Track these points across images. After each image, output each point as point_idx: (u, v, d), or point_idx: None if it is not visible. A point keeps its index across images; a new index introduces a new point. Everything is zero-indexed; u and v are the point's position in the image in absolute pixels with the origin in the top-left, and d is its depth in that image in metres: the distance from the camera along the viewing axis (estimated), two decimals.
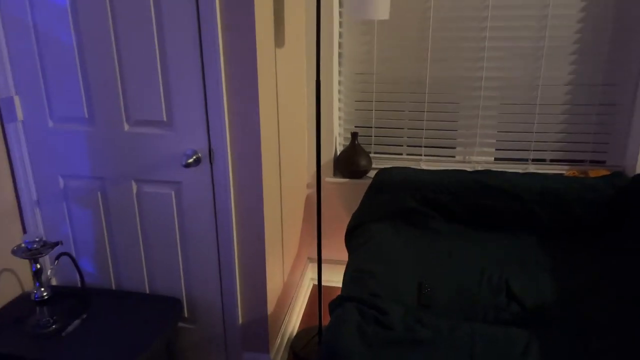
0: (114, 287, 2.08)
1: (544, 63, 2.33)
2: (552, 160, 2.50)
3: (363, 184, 2.58)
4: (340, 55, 2.52)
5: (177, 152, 1.83)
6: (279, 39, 1.98)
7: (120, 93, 1.80)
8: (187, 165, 1.78)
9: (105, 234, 2.01)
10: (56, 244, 1.78)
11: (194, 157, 1.80)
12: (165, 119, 1.81)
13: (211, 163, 1.83)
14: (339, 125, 2.64)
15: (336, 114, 2.57)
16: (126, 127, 1.85)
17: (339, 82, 2.56)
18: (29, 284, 2.06)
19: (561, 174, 2.40)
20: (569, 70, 2.33)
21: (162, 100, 1.79)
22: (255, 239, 1.90)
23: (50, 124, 1.90)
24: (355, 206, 2.65)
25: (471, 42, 2.37)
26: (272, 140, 1.94)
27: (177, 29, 1.69)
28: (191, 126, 1.79)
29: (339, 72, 2.54)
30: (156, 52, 1.73)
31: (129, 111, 1.82)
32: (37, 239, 1.72)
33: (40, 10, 1.76)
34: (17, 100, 1.88)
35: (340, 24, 2.48)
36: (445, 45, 2.39)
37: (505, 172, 2.35)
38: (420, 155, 2.60)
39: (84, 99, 1.84)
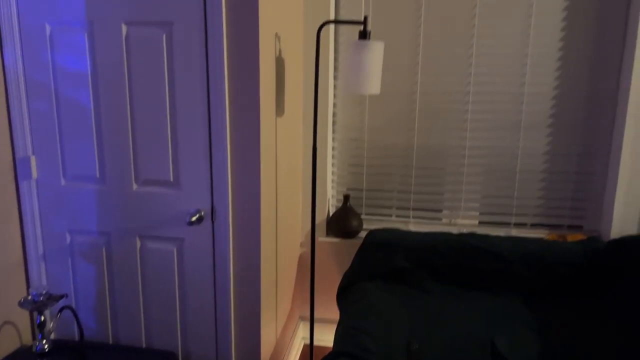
0: (111, 340, 2.13)
1: (523, 134, 2.53)
2: (532, 225, 2.65)
3: (354, 244, 2.70)
4: (334, 122, 2.71)
5: (181, 210, 1.95)
6: (279, 109, 2.15)
7: (132, 154, 1.94)
8: (191, 223, 1.90)
9: (107, 289, 2.08)
10: (61, 296, 1.85)
11: (197, 215, 1.92)
12: (172, 179, 1.94)
13: (213, 221, 1.95)
14: (332, 187, 2.78)
15: (329, 177, 2.72)
16: (135, 186, 1.97)
17: (333, 148, 2.73)
18: (26, 337, 2.10)
19: (541, 238, 2.54)
20: (546, 141, 2.53)
21: (170, 162, 1.93)
22: (251, 296, 1.99)
23: (63, 182, 2.03)
24: (346, 265, 2.75)
25: (455, 114, 2.57)
26: (270, 202, 2.07)
27: (188, 98, 1.85)
28: (196, 186, 1.92)
29: (333, 138, 2.72)
30: (167, 118, 1.89)
31: (139, 171, 1.96)
32: (43, 292, 1.80)
33: (62, 75, 1.93)
34: (33, 160, 2.01)
35: (335, 94, 2.68)
36: (431, 116, 2.59)
37: (489, 235, 2.49)
38: (409, 217, 2.74)
39: (97, 159, 1.97)
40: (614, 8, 2.36)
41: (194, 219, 1.90)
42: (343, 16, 2.58)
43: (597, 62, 2.42)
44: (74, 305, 2.13)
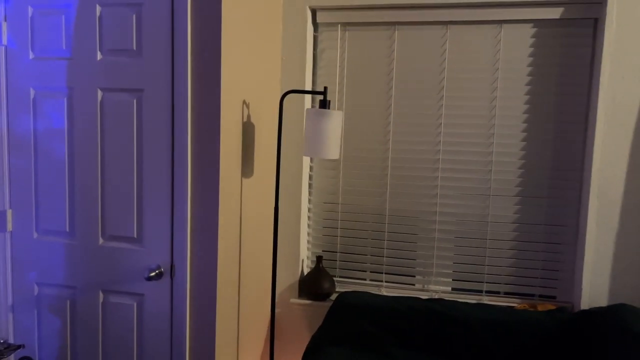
0: None
1: (491, 202, 2.58)
2: (505, 293, 2.63)
3: (326, 306, 2.71)
4: (310, 185, 2.80)
5: (143, 266, 2.02)
6: (247, 171, 2.26)
7: (100, 210, 2.05)
8: (150, 279, 1.96)
9: (69, 342, 2.13)
10: (19, 347, 1.90)
11: (157, 271, 1.99)
12: (135, 235, 2.03)
13: (172, 278, 2.01)
14: (307, 248, 2.83)
15: (304, 237, 2.78)
16: (101, 241, 2.06)
17: (309, 209, 2.80)
18: None
19: (512, 307, 2.52)
20: (514, 210, 2.56)
21: (135, 219, 2.02)
22: (206, 356, 2.01)
23: (35, 235, 2.13)
24: (317, 328, 2.74)
25: (425, 181, 2.64)
26: (231, 260, 2.13)
27: (154, 158, 1.97)
28: (158, 243, 2.00)
29: (309, 200, 2.80)
30: (134, 177, 2.00)
31: (105, 227, 2.05)
32: (1, 341, 1.86)
33: (42, 135, 2.08)
34: (9, 213, 2.13)
35: (312, 159, 2.79)
36: (403, 182, 2.66)
37: (457, 301, 2.48)
38: (382, 281, 2.75)
39: (67, 214, 2.08)
40: (577, 79, 2.46)
41: (152, 274, 1.97)
42: (319, 85, 2.73)
43: (561, 135, 2.49)
44: (37, 356, 2.17)
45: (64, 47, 2.02)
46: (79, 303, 2.11)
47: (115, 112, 2.00)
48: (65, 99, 2.04)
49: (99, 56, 1.99)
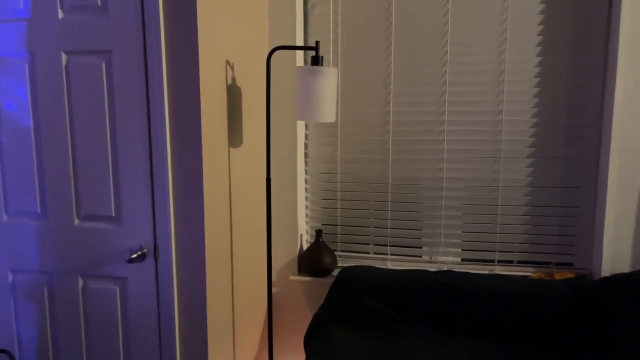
0: None
1: (502, 165, 2.38)
2: (519, 262, 2.46)
3: (328, 283, 2.54)
4: (306, 155, 2.59)
5: (123, 247, 1.84)
6: (235, 139, 2.05)
7: (73, 188, 1.86)
8: (131, 261, 1.78)
9: (49, 331, 1.97)
10: None
11: (139, 252, 1.81)
12: (113, 214, 1.84)
13: (156, 259, 1.83)
14: (306, 222, 2.65)
15: (302, 211, 2.59)
16: (76, 221, 1.88)
17: (306, 181, 2.61)
18: None
19: (527, 276, 2.34)
20: (527, 173, 2.36)
21: (112, 196, 1.83)
22: (198, 340, 1.85)
23: (5, 218, 1.94)
24: (320, 305, 2.58)
25: (430, 144, 2.43)
26: (221, 237, 1.94)
27: (129, 128, 1.77)
28: (138, 222, 1.82)
29: (306, 170, 2.60)
30: (108, 149, 1.80)
31: (80, 206, 1.86)
32: None
33: (3, 107, 1.87)
34: None
35: (307, 126, 2.58)
36: (406, 147, 2.46)
37: (467, 273, 2.30)
38: (387, 254, 2.57)
39: (37, 193, 1.89)
40: (593, 35, 2.23)
41: (134, 256, 1.79)
42: (312, 43, 2.50)
43: (577, 88, 2.27)
44: (17, 348, 2.01)
45: (21, 7, 1.79)
46: (57, 289, 1.94)
47: (83, 77, 1.79)
48: (26, 65, 1.83)
49: (60, 14, 1.77)
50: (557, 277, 2.30)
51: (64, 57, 1.79)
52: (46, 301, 1.96)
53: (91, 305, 1.91)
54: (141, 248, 1.82)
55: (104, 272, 1.88)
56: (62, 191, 1.86)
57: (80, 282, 1.91)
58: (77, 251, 1.89)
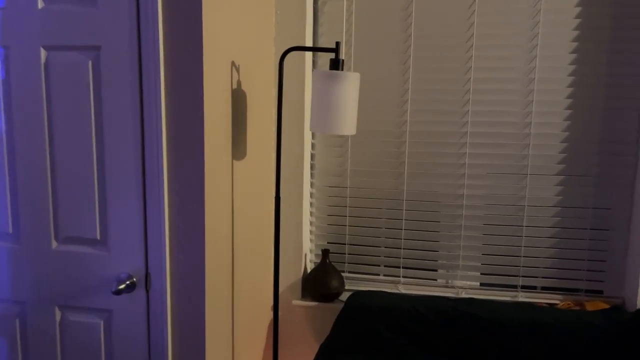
0: None
1: (528, 182, 2.17)
2: (543, 288, 2.25)
3: (335, 308, 2.30)
4: (312, 167, 2.36)
5: (109, 275, 1.59)
6: (239, 151, 1.81)
7: (51, 206, 1.60)
8: (118, 292, 1.53)
9: None
10: None
11: (128, 281, 1.56)
12: (99, 236, 1.58)
13: (147, 290, 1.57)
14: (310, 241, 2.41)
15: (306, 229, 2.36)
16: (54, 244, 1.62)
17: (311, 195, 2.38)
18: None
19: (554, 305, 2.14)
20: (556, 191, 2.16)
21: (97, 216, 1.57)
22: None
23: None
24: (325, 334, 2.34)
25: (450, 158, 2.22)
26: (222, 263, 1.70)
27: (119, 138, 1.52)
28: (127, 246, 1.57)
29: (311, 184, 2.37)
30: (94, 162, 1.55)
31: (59, 227, 1.61)
32: None
33: None
34: None
35: (313, 135, 2.34)
36: (423, 160, 2.24)
37: (491, 301, 2.10)
38: (399, 277, 2.35)
39: (9, 211, 1.62)
40: (633, 42, 2.03)
41: (122, 286, 1.54)
42: (321, 45, 2.27)
43: (613, 101, 2.08)
44: None
45: None
46: (31, 322, 1.67)
47: (65, 76, 1.53)
48: None
49: (40, 4, 1.51)
50: (589, 306, 2.10)
51: (43, 52, 1.53)
52: (18, 335, 1.69)
53: (70, 340, 1.65)
54: (130, 277, 1.57)
55: (85, 304, 1.62)
56: (39, 209, 1.60)
57: (58, 314, 1.65)
58: (54, 279, 1.63)
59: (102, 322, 1.62)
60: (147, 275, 1.57)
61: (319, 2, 2.24)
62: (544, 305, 2.12)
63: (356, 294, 2.19)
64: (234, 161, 1.78)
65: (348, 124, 1.65)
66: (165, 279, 1.55)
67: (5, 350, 1.70)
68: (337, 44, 1.64)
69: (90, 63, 1.51)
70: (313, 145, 2.35)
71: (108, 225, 1.57)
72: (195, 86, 1.47)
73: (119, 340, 1.61)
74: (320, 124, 1.65)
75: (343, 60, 1.65)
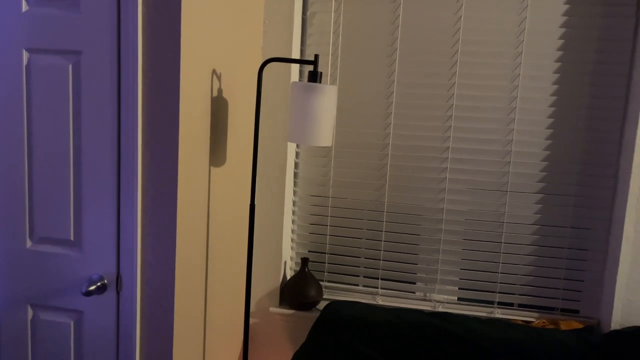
0: None
1: (508, 199, 2.18)
2: (520, 305, 2.26)
3: (311, 317, 2.31)
4: (296, 175, 2.38)
5: (82, 276, 1.61)
6: (218, 158, 1.83)
7: (27, 206, 1.61)
8: (88, 293, 1.54)
9: None
10: None
11: (99, 283, 1.57)
12: (72, 238, 1.60)
13: (118, 292, 1.59)
14: (291, 248, 2.43)
15: (287, 237, 2.37)
16: (29, 243, 1.63)
17: (294, 203, 2.39)
18: None
19: (530, 322, 2.15)
20: (535, 209, 2.17)
21: (72, 217, 1.59)
22: None
23: None
24: (301, 341, 2.35)
25: (431, 173, 2.23)
26: (195, 267, 1.71)
27: (96, 141, 1.55)
28: (100, 248, 1.58)
29: (294, 192, 2.39)
30: (70, 163, 1.57)
31: (34, 226, 1.62)
32: None
33: None
34: None
35: (298, 145, 2.36)
36: (405, 174, 2.25)
37: (466, 316, 2.10)
38: (377, 287, 2.36)
39: None
40: (615, 65, 2.05)
41: (92, 287, 1.55)
42: (309, 56, 2.29)
43: (595, 122, 2.09)
44: None
45: None
46: (3, 320, 1.69)
47: (46, 79, 1.55)
48: None
49: (24, 7, 1.54)
50: (563, 326, 2.10)
51: (25, 55, 1.56)
52: None
53: (41, 339, 1.67)
54: (102, 278, 1.58)
55: (57, 304, 1.64)
56: (15, 209, 1.62)
57: (30, 312, 1.66)
58: (28, 277, 1.65)
59: (72, 323, 1.64)
60: (118, 277, 1.59)
61: (308, 14, 2.27)
62: (519, 322, 2.13)
63: (332, 304, 2.20)
64: (212, 168, 1.79)
65: (324, 135, 1.66)
66: (136, 281, 1.57)
67: None
68: (316, 56, 1.66)
69: (70, 67, 1.53)
70: (297, 155, 2.37)
71: (82, 227, 1.59)
72: (171, 92, 1.49)
73: (88, 341, 1.62)
74: (298, 135, 1.67)
75: (321, 73, 1.67)
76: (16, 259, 1.64)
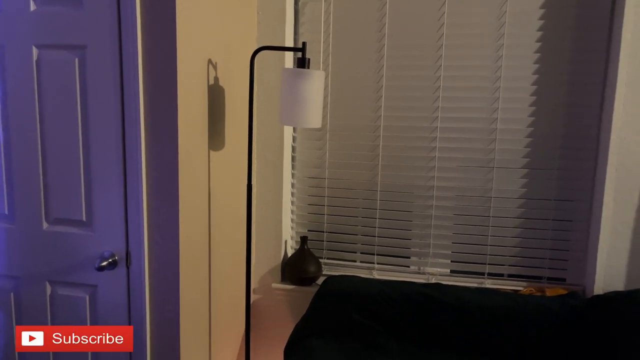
0: None
1: (495, 175, 2.29)
2: (509, 276, 2.38)
3: (311, 292, 2.43)
4: (293, 158, 2.50)
5: (94, 253, 1.75)
6: (217, 142, 1.96)
7: (42, 189, 1.76)
8: (101, 269, 1.68)
9: (14, 339, 1.86)
10: None
11: (110, 259, 1.71)
12: (84, 218, 1.74)
13: (128, 267, 1.73)
14: (291, 228, 2.56)
15: (287, 216, 2.50)
16: (45, 225, 1.78)
17: (292, 185, 2.52)
18: None
19: (517, 291, 2.27)
20: (521, 184, 2.28)
21: (83, 199, 1.73)
22: (170, 352, 1.75)
23: None
24: (302, 314, 2.48)
25: (421, 151, 2.35)
26: (197, 243, 1.85)
27: (103, 128, 1.68)
28: (110, 227, 1.72)
29: (292, 174, 2.51)
30: (80, 149, 1.71)
31: (50, 209, 1.77)
32: None
33: None
34: None
35: (294, 128, 2.48)
36: (396, 153, 2.37)
37: (457, 287, 2.23)
38: (374, 263, 2.48)
39: (5, 194, 1.79)
40: (593, 43, 2.14)
41: (104, 263, 1.69)
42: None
43: (575, 99, 2.19)
44: None
45: None
46: (24, 295, 1.84)
47: (55, 72, 1.69)
48: None
49: (32, 6, 1.67)
50: (549, 292, 2.22)
51: (35, 51, 1.69)
52: (13, 307, 1.86)
53: (60, 312, 1.82)
54: (112, 255, 1.72)
55: (73, 279, 1.78)
56: (31, 193, 1.76)
57: (49, 288, 1.81)
58: (45, 256, 1.79)
59: (87, 296, 1.79)
60: (127, 254, 1.73)
61: (300, 4, 2.38)
62: (508, 291, 2.25)
63: (330, 279, 2.33)
64: (211, 151, 1.92)
65: (314, 117, 1.78)
66: (144, 257, 1.70)
67: (2, 320, 1.87)
68: (304, 44, 1.78)
69: (76, 61, 1.66)
70: (294, 139, 2.49)
71: (93, 208, 1.73)
72: (170, 81, 1.62)
73: (102, 312, 1.77)
74: (289, 118, 1.79)
75: (309, 59, 1.79)
76: (34, 240, 1.79)
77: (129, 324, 1.76)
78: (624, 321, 1.91)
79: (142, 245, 1.70)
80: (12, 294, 1.85)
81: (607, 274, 2.16)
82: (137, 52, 1.60)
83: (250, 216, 1.95)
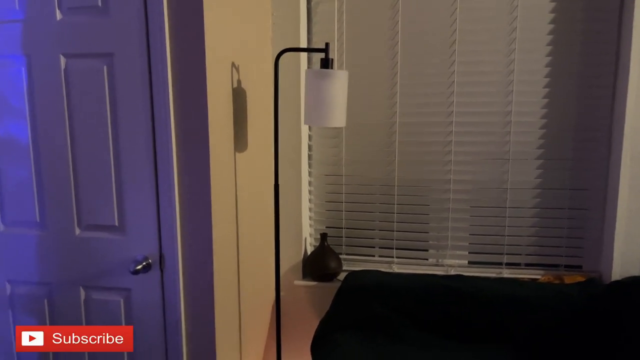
0: None
1: (510, 167, 2.34)
2: (526, 265, 2.43)
3: (333, 287, 2.48)
4: (310, 157, 2.53)
5: (127, 257, 1.77)
6: (241, 144, 1.99)
7: (74, 196, 1.78)
8: (136, 272, 1.71)
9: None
10: None
11: (144, 263, 1.74)
12: (117, 223, 1.77)
13: (162, 270, 1.76)
14: (310, 225, 2.59)
15: (306, 214, 2.54)
16: (77, 231, 1.80)
17: (310, 183, 2.55)
18: None
19: (535, 279, 2.32)
20: (536, 174, 2.33)
21: (115, 205, 1.76)
22: (205, 352, 1.79)
23: (2, 228, 1.86)
24: (325, 310, 2.52)
25: (437, 146, 2.39)
26: (228, 245, 1.88)
27: (133, 135, 1.70)
28: (143, 232, 1.75)
29: (309, 172, 2.54)
30: (110, 156, 1.73)
31: (81, 215, 1.79)
32: None
33: (1, 116, 1.79)
34: None
35: (310, 128, 2.51)
36: (412, 149, 2.41)
37: (476, 277, 2.28)
38: (393, 257, 2.52)
39: (36, 201, 1.81)
40: (604, 33, 2.19)
41: (139, 267, 1.72)
42: (316, 44, 2.43)
43: (588, 89, 2.24)
44: None
45: (17, 7, 1.71)
46: (58, 301, 1.86)
47: (83, 81, 1.71)
48: (22, 69, 1.74)
49: (58, 16, 1.68)
50: (567, 280, 2.27)
51: (62, 60, 1.71)
52: (47, 313, 1.88)
53: (94, 317, 1.84)
54: (146, 258, 1.75)
55: (107, 284, 1.81)
56: (62, 200, 1.78)
57: (83, 293, 1.84)
58: (78, 262, 1.82)
59: (122, 300, 1.81)
60: (161, 257, 1.75)
61: (312, 3, 2.41)
62: (527, 280, 2.30)
63: (352, 274, 2.37)
64: (237, 153, 1.95)
65: (338, 116, 1.82)
66: (178, 260, 1.73)
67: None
68: (327, 44, 1.81)
69: (105, 68, 1.68)
70: (310, 137, 2.52)
71: (125, 213, 1.76)
72: (199, 86, 1.64)
73: (137, 315, 1.80)
74: (314, 118, 1.83)
75: (332, 60, 1.82)
76: (67, 246, 1.81)
77: (164, 326, 1.79)
78: (632, 304, 1.96)
79: (176, 248, 1.73)
80: (45, 301, 1.87)
81: (624, 260, 2.21)
82: (165, 58, 1.63)
83: (277, 215, 1.98)
